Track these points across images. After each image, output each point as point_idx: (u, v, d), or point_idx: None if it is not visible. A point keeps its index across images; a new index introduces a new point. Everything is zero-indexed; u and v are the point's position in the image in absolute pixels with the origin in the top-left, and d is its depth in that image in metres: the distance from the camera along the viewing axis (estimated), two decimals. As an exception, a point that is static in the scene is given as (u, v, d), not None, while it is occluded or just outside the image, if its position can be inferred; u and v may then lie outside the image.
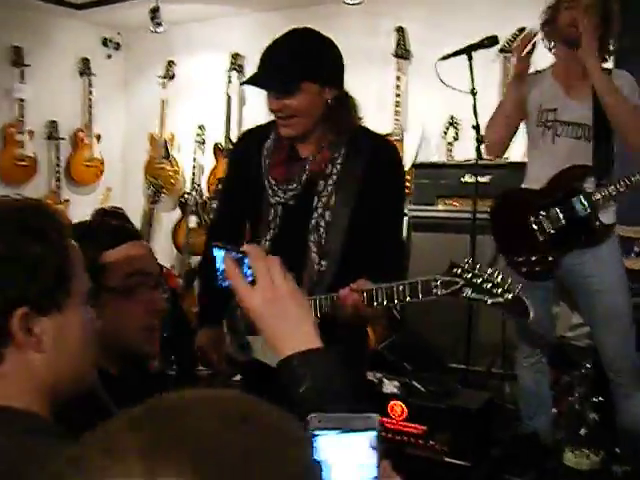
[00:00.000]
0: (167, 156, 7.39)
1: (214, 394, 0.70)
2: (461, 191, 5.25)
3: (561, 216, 3.53)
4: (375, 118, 6.24)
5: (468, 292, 2.22)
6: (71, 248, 1.25)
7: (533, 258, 3.56)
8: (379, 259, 2.61)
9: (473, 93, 4.01)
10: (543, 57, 3.79)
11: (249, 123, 5.80)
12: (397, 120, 6.13)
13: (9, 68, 6.86)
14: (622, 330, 3.57)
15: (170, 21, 6.70)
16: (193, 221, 7.02)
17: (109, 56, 7.78)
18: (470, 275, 2.22)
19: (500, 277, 2.21)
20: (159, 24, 6.60)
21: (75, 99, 7.45)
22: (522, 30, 5.43)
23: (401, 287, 2.31)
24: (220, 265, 1.38)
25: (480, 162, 4.26)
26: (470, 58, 3.94)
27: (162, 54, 7.52)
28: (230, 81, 6.98)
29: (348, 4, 5.61)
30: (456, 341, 4.79)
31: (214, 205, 6.69)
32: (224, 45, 7.11)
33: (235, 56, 7.02)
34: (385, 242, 2.68)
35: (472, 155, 4.40)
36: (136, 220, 6.51)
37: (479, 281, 2.21)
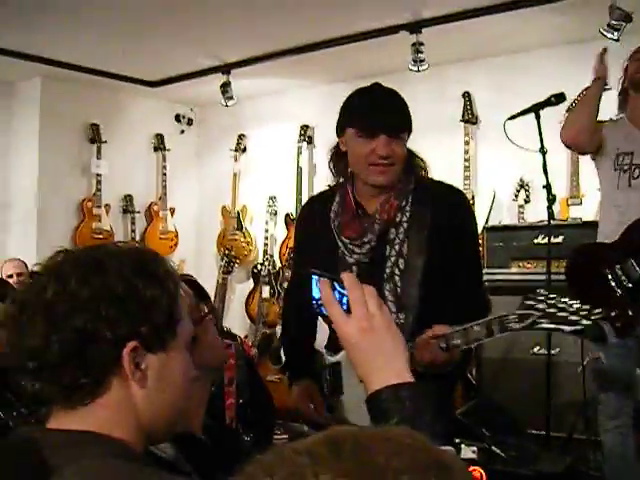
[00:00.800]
0: (240, 227, 7.48)
1: (389, 431, 0.71)
2: (534, 253, 5.18)
3: (638, 269, 3.44)
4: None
5: (544, 323, 2.17)
6: (180, 295, 1.33)
7: (612, 314, 3.47)
8: (458, 309, 2.54)
9: (543, 152, 3.98)
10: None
11: (319, 191, 5.87)
12: (467, 185, 6.11)
13: (87, 145, 7.10)
14: None
15: (240, 95, 6.85)
16: (266, 291, 7.05)
17: (182, 131, 8.00)
18: (544, 305, 2.17)
19: (576, 305, 2.16)
20: (230, 98, 6.75)
21: (150, 173, 7.65)
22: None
23: (476, 327, 2.28)
24: (316, 292, 1.38)
25: (552, 223, 4.21)
26: (538, 117, 3.93)
27: (233, 128, 7.68)
28: (300, 152, 7.08)
29: (414, 71, 5.66)
30: (535, 406, 4.68)
31: (287, 274, 6.74)
32: (293, 117, 7.23)
33: (304, 127, 7.14)
34: (463, 290, 2.64)
35: (544, 216, 4.35)
36: (210, 291, 6.56)
37: (554, 311, 2.16)
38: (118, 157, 7.27)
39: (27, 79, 6.84)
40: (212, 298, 6.59)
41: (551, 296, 2.18)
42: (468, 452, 3.91)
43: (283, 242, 7.16)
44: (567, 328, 2.14)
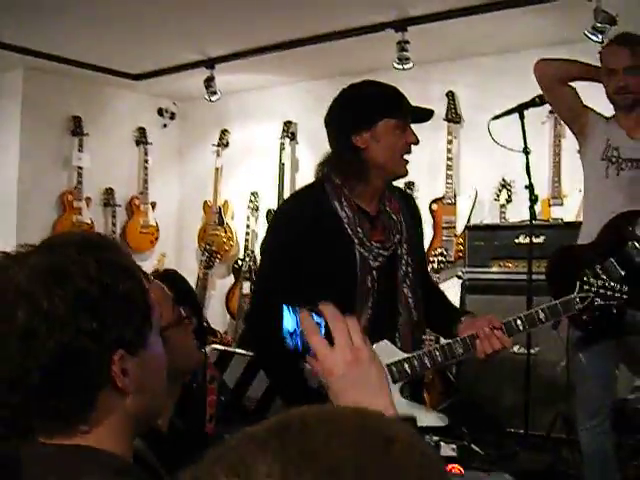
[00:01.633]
0: (221, 223, 7.46)
1: (334, 410, 0.72)
2: (515, 252, 5.21)
3: (618, 267, 3.45)
4: (427, 182, 6.33)
5: (598, 301, 2.68)
6: (144, 279, 1.24)
7: (596, 313, 3.49)
8: (439, 299, 2.89)
9: (526, 152, 4.00)
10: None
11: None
12: (449, 184, 6.13)
13: (68, 137, 7.06)
14: None
15: (224, 91, 6.83)
16: (246, 287, 7.04)
17: (164, 125, 7.96)
18: (596, 288, 2.70)
19: (611, 284, 2.74)
20: (214, 93, 6.73)
21: (131, 167, 7.62)
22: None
23: (541, 312, 2.58)
24: (290, 325, 1.36)
25: (534, 223, 4.23)
26: (522, 117, 3.95)
27: (216, 123, 7.66)
28: (283, 148, 7.07)
29: (399, 69, 5.67)
30: (514, 404, 4.70)
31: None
32: (277, 113, 7.23)
33: (287, 124, 7.13)
34: (432, 283, 3.00)
35: (525, 216, 4.38)
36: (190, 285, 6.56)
37: (603, 291, 2.70)
38: (100, 150, 7.23)
39: (9, 70, 6.78)
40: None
41: (592, 281, 2.75)
42: (447, 450, 3.92)
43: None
44: (614, 302, 2.70)
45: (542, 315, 2.59)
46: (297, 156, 7.25)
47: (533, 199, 4.13)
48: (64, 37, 5.99)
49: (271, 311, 2.58)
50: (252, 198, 7.31)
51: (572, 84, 3.79)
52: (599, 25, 4.90)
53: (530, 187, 4.08)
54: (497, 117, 4.02)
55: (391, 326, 2.62)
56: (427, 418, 2.60)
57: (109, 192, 7.35)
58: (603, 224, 3.54)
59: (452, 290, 5.77)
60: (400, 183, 6.26)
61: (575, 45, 5.13)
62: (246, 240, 7.29)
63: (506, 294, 5.09)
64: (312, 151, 6.91)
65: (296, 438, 0.65)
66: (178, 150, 8.16)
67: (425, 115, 2.73)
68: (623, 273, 3.43)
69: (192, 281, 6.90)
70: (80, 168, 7.01)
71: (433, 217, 6.16)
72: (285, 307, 1.37)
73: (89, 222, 7.04)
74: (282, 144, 7.10)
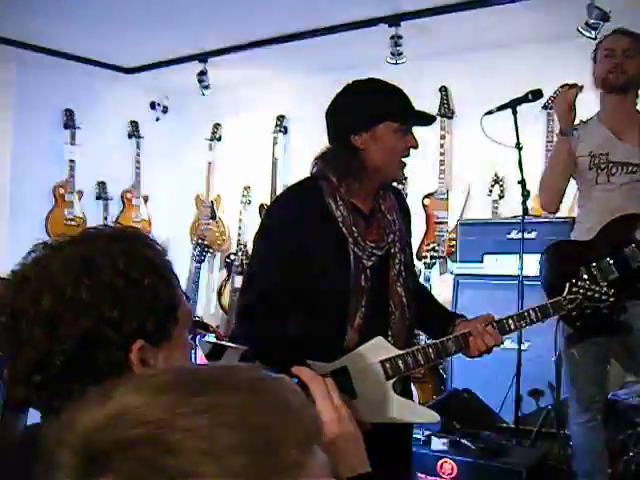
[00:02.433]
0: (213, 217, 7.46)
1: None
2: (507, 248, 5.22)
3: (614, 268, 3.46)
4: (420, 177, 6.33)
5: (586, 303, 2.72)
6: (173, 275, 1.28)
7: (588, 311, 3.50)
8: (430, 295, 2.97)
9: (518, 148, 4.01)
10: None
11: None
12: (442, 178, 6.14)
13: (60, 130, 7.05)
14: None
15: (217, 84, 6.82)
16: (238, 281, 7.03)
17: (157, 119, 7.95)
18: (585, 290, 2.71)
19: (598, 286, 2.74)
20: (206, 87, 6.73)
21: (124, 161, 7.60)
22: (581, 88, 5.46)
23: (532, 312, 2.64)
24: None
25: (526, 218, 4.24)
26: (515, 112, 3.95)
27: (209, 117, 7.66)
28: (276, 142, 7.08)
29: (392, 64, 5.67)
30: (505, 400, 4.72)
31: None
32: (269, 107, 7.22)
33: (280, 118, 7.13)
34: (418, 282, 3.01)
35: (518, 211, 4.38)
36: (182, 280, 6.56)
37: (591, 293, 2.71)
38: (92, 143, 7.20)
39: (2, 63, 6.74)
40: (184, 287, 6.57)
41: (580, 283, 2.74)
42: (438, 444, 3.94)
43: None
44: (602, 305, 2.73)
45: (533, 315, 2.63)
46: (290, 150, 7.25)
47: (525, 195, 4.14)
48: (57, 30, 5.97)
49: (262, 308, 2.62)
50: (244, 192, 7.30)
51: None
52: (592, 21, 4.91)
53: (522, 182, 4.09)
54: (490, 112, 4.02)
55: (384, 324, 2.61)
56: (419, 415, 2.61)
57: (101, 185, 7.34)
58: (597, 225, 3.56)
59: (444, 285, 5.79)
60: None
61: (568, 41, 5.15)
62: (238, 234, 7.29)
63: (498, 289, 5.10)
64: (305, 145, 6.88)
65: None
66: (171, 144, 8.13)
67: (426, 120, 2.70)
68: (617, 275, 3.44)
69: (184, 275, 6.91)
70: (72, 161, 7.01)
71: (425, 212, 6.17)
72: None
73: (81, 215, 7.03)
74: (275, 138, 7.11)
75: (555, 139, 5.53)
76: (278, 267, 2.58)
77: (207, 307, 7.48)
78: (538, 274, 3.88)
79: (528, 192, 4.17)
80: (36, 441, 0.81)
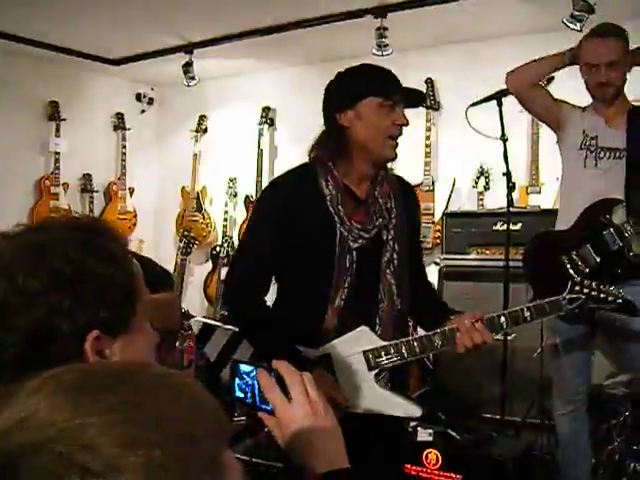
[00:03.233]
0: (199, 209, 7.45)
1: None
2: (493, 239, 5.24)
3: (594, 253, 3.48)
4: (406, 169, 6.31)
5: (590, 304, 2.58)
6: (134, 265, 1.26)
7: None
8: (427, 291, 2.90)
9: (504, 140, 4.02)
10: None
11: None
12: (427, 170, 6.15)
13: (45, 122, 7.01)
14: None
15: (202, 76, 6.81)
16: (225, 273, 7.02)
17: (143, 111, 7.93)
18: (588, 290, 2.56)
19: (605, 287, 2.58)
20: (192, 78, 6.71)
21: (109, 153, 7.58)
22: (550, 80, 5.46)
23: (526, 311, 2.53)
24: (239, 381, 1.39)
25: (511, 210, 4.25)
26: (500, 104, 3.96)
27: (194, 108, 7.64)
28: (261, 134, 7.06)
29: (377, 55, 5.66)
30: (490, 391, 4.74)
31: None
32: (255, 99, 7.21)
33: (266, 109, 7.11)
34: (424, 274, 2.95)
35: (503, 203, 4.39)
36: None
37: (596, 293, 2.57)
38: (77, 135, 7.18)
39: (-14, 54, 6.72)
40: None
41: (586, 282, 2.60)
42: (424, 435, 3.95)
43: (242, 224, 7.14)
44: (608, 307, 2.61)
45: (527, 314, 2.53)
46: (275, 142, 7.25)
47: (511, 186, 4.15)
48: (42, 22, 5.93)
49: (252, 280, 2.66)
50: (230, 184, 7.30)
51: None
52: (577, 13, 4.92)
53: (508, 174, 4.10)
54: (475, 104, 4.03)
55: (372, 312, 2.61)
56: (401, 407, 2.55)
57: (87, 178, 7.31)
58: (580, 212, 3.57)
59: (429, 277, 5.80)
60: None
61: (554, 33, 5.15)
62: (224, 226, 7.28)
63: (483, 281, 5.12)
64: (291, 137, 6.91)
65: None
66: (156, 136, 8.12)
67: (415, 97, 2.69)
68: (598, 260, 3.47)
69: (170, 267, 6.89)
70: (57, 153, 6.97)
71: (411, 204, 6.18)
72: (242, 364, 1.39)
73: (66, 208, 6.99)
74: (260, 130, 7.09)
75: (540, 132, 5.57)
76: (268, 240, 2.62)
77: (193, 299, 7.47)
78: (522, 263, 3.90)
79: (513, 184, 4.18)
80: None
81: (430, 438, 3.93)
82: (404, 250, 2.68)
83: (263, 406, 1.32)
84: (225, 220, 7.29)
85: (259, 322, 2.67)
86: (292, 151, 6.63)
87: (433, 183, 6.16)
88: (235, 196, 7.27)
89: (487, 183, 5.94)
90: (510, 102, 4.05)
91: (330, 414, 1.31)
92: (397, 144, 2.61)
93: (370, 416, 2.51)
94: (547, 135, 5.10)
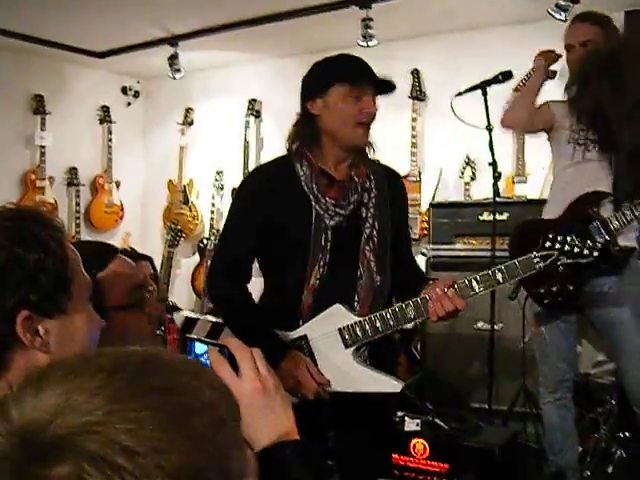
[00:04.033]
0: (186, 201, 7.44)
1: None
2: (479, 229, 5.24)
3: (580, 244, 3.48)
4: (392, 159, 6.31)
5: (564, 259, 2.47)
6: (69, 252, 1.31)
7: (554, 289, 3.54)
8: (410, 269, 2.87)
9: (489, 129, 4.02)
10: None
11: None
12: (414, 161, 6.16)
13: (30, 116, 6.98)
14: None
15: (188, 69, 6.79)
16: (212, 265, 7.02)
17: (129, 104, 7.90)
18: (560, 245, 2.46)
19: (579, 240, 2.48)
20: (178, 70, 6.70)
21: (95, 146, 7.55)
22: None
23: (498, 273, 2.47)
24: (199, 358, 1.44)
25: (497, 200, 4.26)
26: (485, 94, 3.96)
27: (180, 101, 7.62)
28: (248, 126, 7.05)
29: (363, 46, 5.66)
30: (477, 380, 4.76)
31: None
32: (241, 91, 7.19)
33: (252, 102, 7.10)
34: (409, 254, 2.95)
35: (489, 194, 4.39)
36: (155, 265, 6.54)
37: (569, 248, 2.47)
38: (63, 129, 7.16)
39: (-30, 47, 6.69)
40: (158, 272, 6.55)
41: (559, 238, 2.49)
42: (412, 424, 3.96)
43: (230, 216, 7.13)
44: (584, 260, 2.47)
45: (499, 275, 2.47)
46: (262, 134, 7.23)
47: (496, 176, 4.15)
48: (27, 14, 5.90)
49: (232, 266, 2.73)
50: (217, 177, 7.28)
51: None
52: (562, 3, 4.93)
53: (493, 164, 4.11)
54: (460, 94, 4.03)
55: (350, 288, 2.62)
56: (381, 383, 2.55)
57: (72, 171, 7.28)
58: (567, 204, 3.58)
59: (417, 267, 5.82)
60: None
61: (539, 23, 5.16)
62: (211, 219, 7.27)
63: (470, 271, 5.07)
64: (277, 129, 6.89)
65: None
66: (142, 129, 8.10)
67: (385, 85, 2.71)
68: None
69: (157, 260, 6.87)
70: (43, 147, 6.95)
71: (398, 195, 6.18)
72: (196, 342, 1.45)
73: (52, 202, 6.97)
74: (247, 122, 7.08)
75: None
76: (248, 221, 2.71)
77: (180, 292, 7.46)
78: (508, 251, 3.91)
79: (499, 174, 4.19)
80: None
81: (418, 428, 3.94)
82: (385, 229, 2.70)
83: None
84: (212, 213, 7.27)
85: (238, 307, 2.75)
86: (278, 143, 6.57)
87: (419, 174, 6.17)
88: (222, 189, 7.26)
89: (473, 173, 5.96)
90: (497, 93, 4.05)
91: (281, 390, 1.34)
92: (368, 130, 2.66)
93: (353, 400, 2.51)
94: (533, 125, 5.13)
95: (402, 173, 6.09)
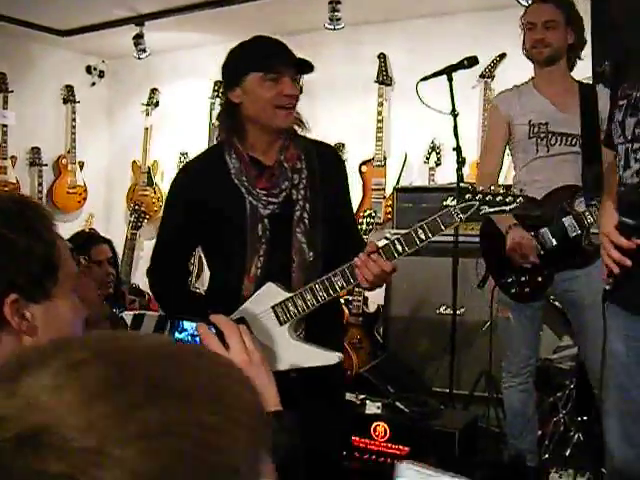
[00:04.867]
0: (150, 183, 7.39)
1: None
2: (443, 215, 5.26)
3: (551, 237, 3.51)
4: (358, 144, 6.35)
5: (486, 209, 2.37)
6: (58, 239, 1.33)
7: (522, 279, 3.57)
8: (353, 241, 2.81)
9: (454, 115, 4.03)
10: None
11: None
12: (379, 145, 6.16)
13: (-8, 94, 6.86)
14: None
15: (154, 49, 6.73)
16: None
17: (93, 84, 7.81)
18: (481, 195, 2.37)
19: (501, 190, 2.39)
20: (143, 50, 6.63)
21: (58, 126, 7.45)
22: (502, 56, 5.50)
23: (419, 231, 2.44)
24: (185, 336, 1.53)
25: (462, 185, 4.26)
26: (450, 79, 3.96)
27: (146, 82, 7.54)
28: (213, 108, 6.99)
29: (330, 29, 5.65)
30: (440, 364, 4.79)
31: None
32: (207, 73, 7.11)
33: (218, 83, 7.04)
34: (351, 229, 2.95)
35: (453, 179, 4.41)
36: (118, 246, 6.48)
37: (491, 198, 2.37)
38: (26, 108, 7.05)
39: None
40: (120, 254, 6.50)
41: (481, 189, 2.40)
42: (373, 408, 3.99)
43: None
44: (507, 207, 2.37)
45: (421, 233, 2.42)
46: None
47: (461, 162, 4.16)
48: (-12, -10, 5.81)
49: (166, 260, 2.81)
50: (182, 158, 7.23)
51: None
52: (529, -10, 4.94)
53: (458, 149, 4.09)
54: (425, 78, 4.02)
55: (285, 272, 2.64)
56: (319, 357, 2.56)
57: (35, 151, 7.18)
58: (535, 196, 3.58)
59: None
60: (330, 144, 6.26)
61: (506, 10, 5.17)
62: (176, 201, 7.21)
63: (433, 255, 5.14)
64: (243, 112, 6.86)
65: None
66: (107, 109, 8.02)
67: (302, 66, 2.68)
68: (555, 243, 3.50)
69: (120, 242, 6.83)
70: (5, 126, 6.83)
71: (362, 179, 6.19)
72: (184, 321, 1.54)
73: (14, 182, 6.88)
74: (212, 104, 7.02)
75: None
76: (176, 223, 2.78)
77: (144, 273, 7.40)
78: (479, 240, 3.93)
79: (464, 159, 4.18)
80: None
81: (379, 411, 3.97)
82: (317, 208, 2.69)
83: None
84: (177, 195, 7.22)
85: (175, 300, 2.83)
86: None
87: (385, 158, 6.17)
88: (187, 171, 7.20)
89: (438, 159, 5.97)
90: (462, 78, 4.06)
91: (265, 362, 1.43)
92: (291, 111, 2.65)
93: (297, 379, 2.52)
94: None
95: (367, 157, 6.16)
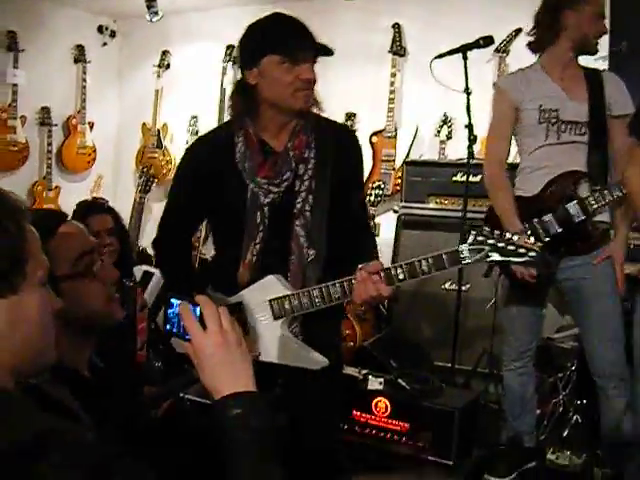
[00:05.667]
0: (159, 145, 7.37)
1: None
2: (452, 190, 5.26)
3: (555, 223, 3.48)
4: (369, 114, 6.30)
5: (495, 256, 2.32)
6: (27, 231, 1.30)
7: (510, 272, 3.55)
8: (360, 238, 2.77)
9: (467, 93, 4.01)
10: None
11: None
12: (390, 116, 6.13)
13: (3, 53, 6.79)
14: (612, 336, 3.53)
15: (166, 10, 6.68)
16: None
17: (104, 44, 7.75)
18: (493, 240, 2.31)
19: (517, 238, 2.30)
20: (155, 13, 6.58)
21: (69, 86, 7.40)
22: (518, 31, 5.44)
23: (424, 263, 2.39)
24: (171, 313, 1.55)
25: (472, 162, 4.26)
26: (465, 58, 3.94)
27: (158, 43, 7.49)
28: (225, 72, 6.96)
29: (345, -1, 5.61)
30: (443, 339, 4.81)
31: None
32: (220, 36, 7.08)
33: (230, 47, 7.00)
34: (361, 225, 2.83)
35: (464, 154, 4.40)
36: (127, 208, 6.50)
37: (503, 245, 2.31)
38: (36, 67, 6.99)
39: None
40: (129, 217, 6.51)
41: (496, 232, 2.33)
42: (375, 383, 4.02)
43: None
44: (517, 259, 2.31)
45: (425, 266, 2.40)
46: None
47: (472, 138, 4.16)
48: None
49: (171, 229, 2.83)
50: (192, 122, 7.22)
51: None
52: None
53: (469, 127, 4.11)
54: (440, 56, 4.01)
55: (283, 263, 2.63)
56: (304, 360, 2.57)
57: (45, 111, 7.14)
58: (542, 181, 3.56)
59: (387, 224, 5.83)
60: (341, 114, 6.21)
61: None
62: (185, 164, 7.20)
63: (440, 230, 5.16)
64: (254, 77, 6.82)
65: None
66: (118, 70, 7.97)
67: (321, 51, 2.60)
68: (559, 230, 3.47)
69: (129, 204, 6.84)
70: (15, 85, 6.79)
71: (373, 149, 6.16)
72: (172, 298, 1.55)
73: (23, 141, 6.86)
74: (224, 68, 6.99)
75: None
76: (185, 192, 2.78)
77: (152, 236, 7.41)
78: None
79: (475, 136, 4.19)
80: None
81: (380, 387, 4.00)
82: (322, 200, 2.65)
83: (186, 336, 1.45)
84: (186, 158, 7.20)
85: (175, 269, 2.86)
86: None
87: (396, 130, 6.14)
88: (196, 134, 7.16)
89: (450, 132, 5.93)
90: (477, 53, 4.04)
91: (242, 345, 1.46)
92: (309, 94, 2.59)
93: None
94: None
95: (378, 128, 6.13)
